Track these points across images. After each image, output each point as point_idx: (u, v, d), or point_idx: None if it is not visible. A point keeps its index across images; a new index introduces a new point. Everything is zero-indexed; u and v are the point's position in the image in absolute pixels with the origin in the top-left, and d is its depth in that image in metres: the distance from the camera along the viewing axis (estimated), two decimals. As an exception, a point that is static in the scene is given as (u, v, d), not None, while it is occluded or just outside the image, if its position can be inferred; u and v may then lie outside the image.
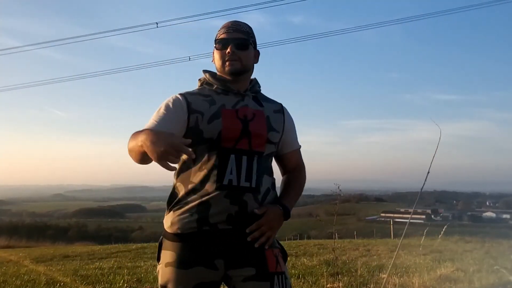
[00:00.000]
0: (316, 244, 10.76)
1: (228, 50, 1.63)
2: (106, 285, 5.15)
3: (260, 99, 1.73)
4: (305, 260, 7.14)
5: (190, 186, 1.58)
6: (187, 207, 1.57)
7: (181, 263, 1.54)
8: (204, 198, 1.55)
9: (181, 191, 1.61)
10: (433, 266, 5.72)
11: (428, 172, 2.96)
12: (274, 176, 1.74)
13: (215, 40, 1.68)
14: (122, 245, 13.02)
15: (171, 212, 1.62)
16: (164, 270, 1.57)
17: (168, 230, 1.61)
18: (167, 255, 1.58)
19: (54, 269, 6.92)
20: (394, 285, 4.54)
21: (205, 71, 1.74)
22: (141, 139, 1.31)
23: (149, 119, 1.59)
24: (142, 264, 7.26)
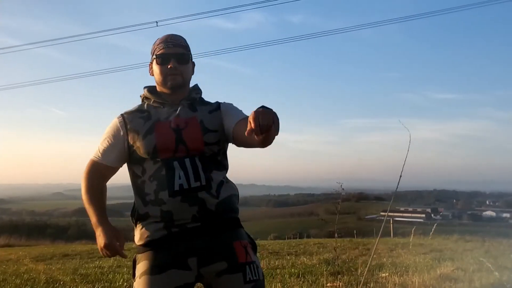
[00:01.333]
0: (316, 243, 10.74)
1: (170, 65, 1.69)
2: (105, 284, 5.15)
3: (196, 104, 1.76)
4: (305, 259, 7.14)
5: (147, 198, 1.64)
6: (150, 218, 1.63)
7: (154, 269, 1.57)
8: (163, 207, 1.59)
9: (140, 204, 1.67)
10: (433, 265, 5.71)
11: (401, 176, 3.00)
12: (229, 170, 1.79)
13: (155, 55, 1.72)
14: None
15: (137, 226, 1.69)
16: (138, 281, 1.59)
17: (139, 243, 1.67)
18: (140, 266, 1.61)
19: (53, 268, 6.91)
20: (394, 284, 4.54)
21: (145, 87, 1.81)
22: (95, 227, 1.67)
23: (98, 145, 1.77)
24: (142, 263, 7.25)
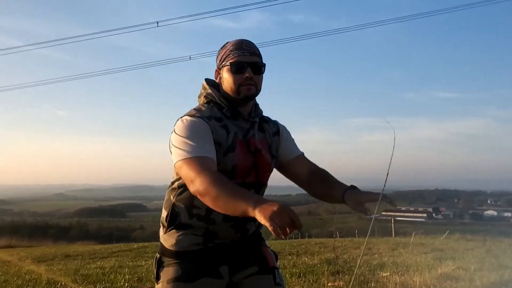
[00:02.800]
0: (317, 243, 10.75)
1: (247, 75, 1.53)
2: (107, 284, 5.16)
3: (262, 122, 1.71)
4: (306, 259, 7.14)
5: (194, 211, 1.55)
6: (192, 230, 1.57)
7: (186, 277, 1.52)
8: (209, 226, 1.56)
9: (183, 213, 1.57)
10: (434, 264, 5.71)
11: (388, 174, 2.96)
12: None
13: (229, 62, 1.55)
14: (123, 245, 13.03)
15: (173, 231, 1.58)
16: (166, 286, 1.53)
17: (171, 248, 1.57)
18: (170, 271, 1.54)
19: (55, 269, 6.92)
20: (395, 283, 4.54)
21: (209, 85, 1.63)
22: (254, 205, 1.19)
23: (184, 145, 1.45)
24: (143, 263, 7.27)
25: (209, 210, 1.51)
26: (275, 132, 1.72)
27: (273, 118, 1.81)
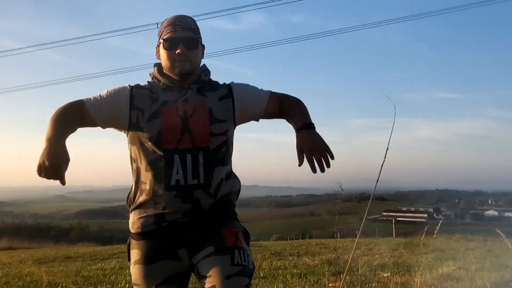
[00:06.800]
0: (318, 244, 10.74)
1: (178, 50, 1.58)
2: (108, 285, 5.16)
3: (206, 89, 1.66)
4: (307, 259, 7.14)
5: (142, 187, 1.60)
6: (143, 207, 1.60)
7: (146, 259, 1.57)
8: (156, 199, 1.56)
9: (136, 191, 1.63)
10: (435, 264, 5.71)
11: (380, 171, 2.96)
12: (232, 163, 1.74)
13: (162, 38, 1.61)
14: (124, 246, 13.02)
15: (131, 213, 1.65)
16: (133, 268, 1.61)
17: (131, 230, 1.65)
18: (134, 253, 1.61)
19: (56, 270, 6.92)
20: (396, 283, 4.54)
21: (155, 65, 1.70)
22: (46, 140, 1.47)
23: (94, 95, 1.66)
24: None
25: (152, 182, 1.56)
26: (223, 95, 1.67)
27: None
